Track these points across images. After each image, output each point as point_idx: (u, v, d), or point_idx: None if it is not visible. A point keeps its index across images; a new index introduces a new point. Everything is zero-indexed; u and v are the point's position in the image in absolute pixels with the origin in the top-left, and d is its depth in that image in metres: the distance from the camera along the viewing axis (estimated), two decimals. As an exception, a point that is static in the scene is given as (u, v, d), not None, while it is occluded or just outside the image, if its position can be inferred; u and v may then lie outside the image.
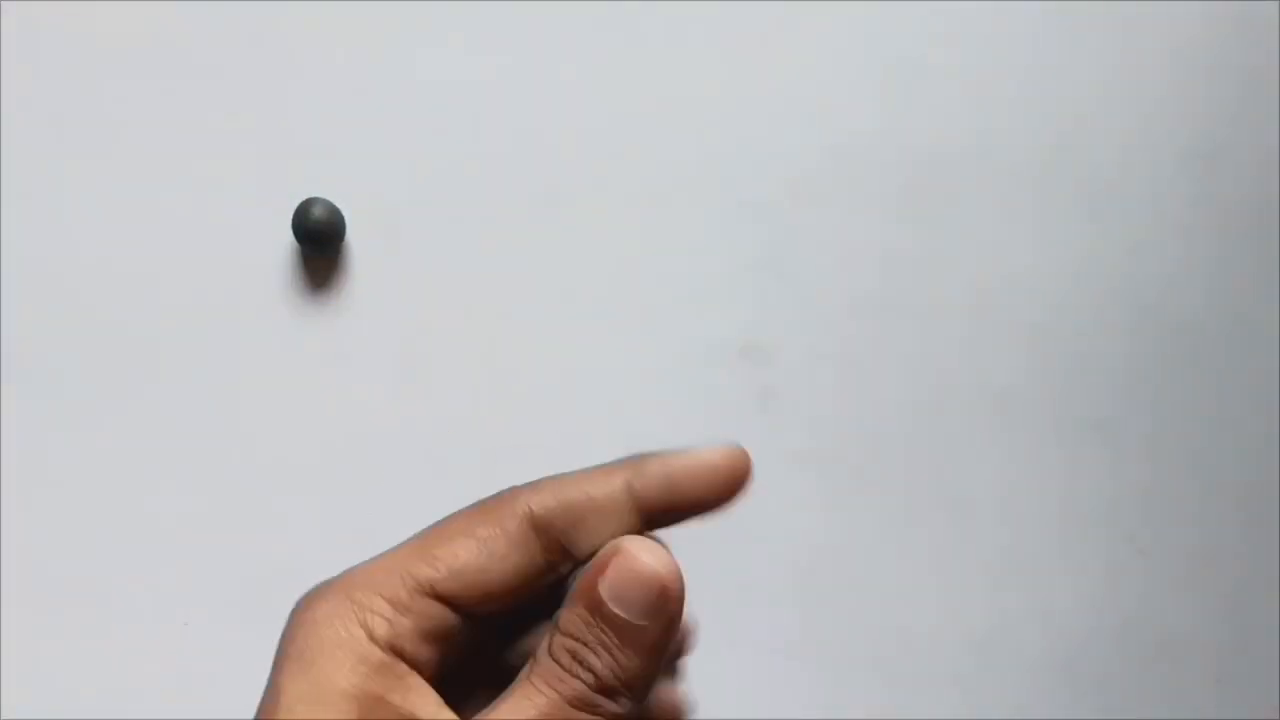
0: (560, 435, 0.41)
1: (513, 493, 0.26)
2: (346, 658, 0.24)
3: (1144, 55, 0.43)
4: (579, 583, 0.24)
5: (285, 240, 0.41)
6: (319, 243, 0.40)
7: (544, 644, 0.24)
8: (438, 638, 0.25)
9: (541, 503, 0.25)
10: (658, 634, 0.23)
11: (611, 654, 0.23)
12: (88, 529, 0.40)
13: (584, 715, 0.23)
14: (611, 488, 0.25)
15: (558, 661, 0.23)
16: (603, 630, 0.23)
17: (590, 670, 0.23)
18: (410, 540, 0.26)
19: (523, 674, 0.24)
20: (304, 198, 0.40)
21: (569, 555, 0.25)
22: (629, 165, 0.42)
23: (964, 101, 0.43)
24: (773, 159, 0.42)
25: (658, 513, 0.25)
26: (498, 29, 0.42)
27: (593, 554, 0.25)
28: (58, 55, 0.41)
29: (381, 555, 0.26)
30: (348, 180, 0.41)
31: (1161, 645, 0.43)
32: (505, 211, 0.42)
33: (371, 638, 0.24)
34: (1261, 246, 0.43)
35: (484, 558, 0.25)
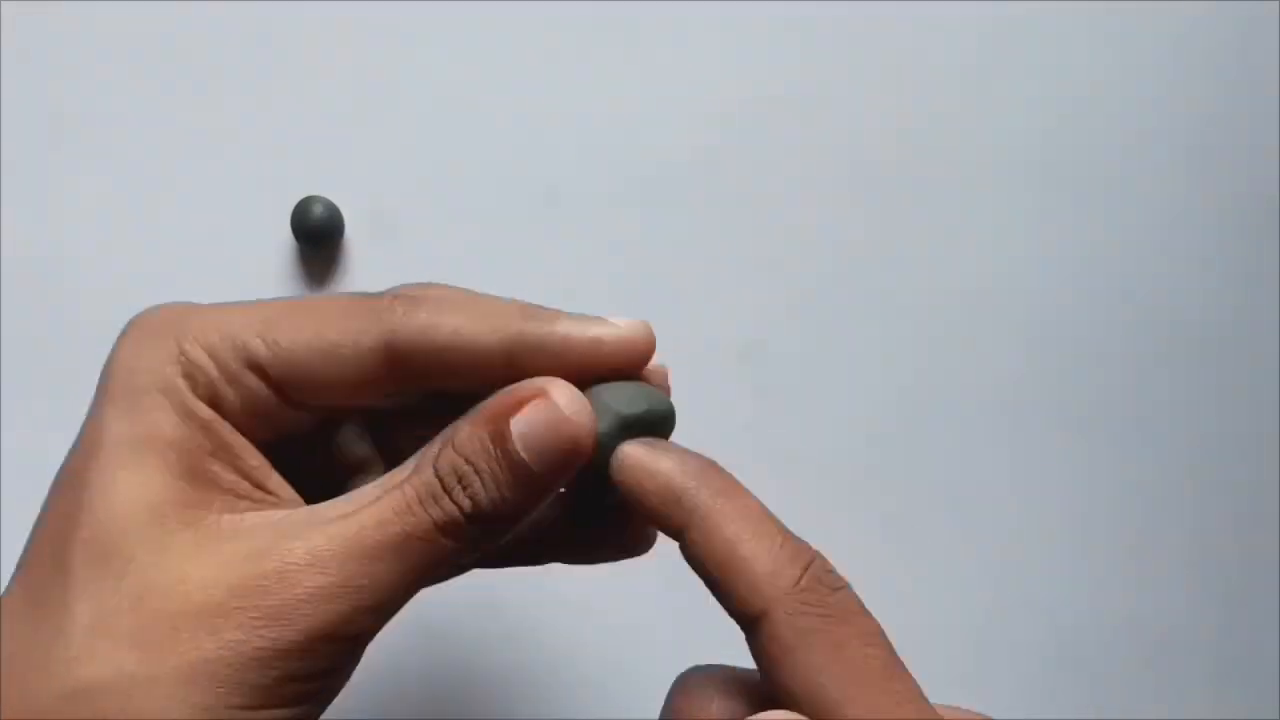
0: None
1: (387, 305, 0.24)
2: (171, 405, 0.23)
3: (1144, 53, 0.43)
4: (488, 406, 0.23)
5: (284, 238, 0.41)
6: (318, 241, 0.40)
7: (427, 452, 0.23)
8: (260, 414, 0.24)
9: (410, 338, 0.24)
10: (549, 483, 0.23)
11: (498, 488, 0.22)
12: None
13: (444, 539, 0.22)
14: (490, 343, 0.24)
15: (440, 476, 0.22)
16: (498, 462, 0.22)
17: (471, 496, 0.22)
18: (260, 306, 0.24)
19: (393, 475, 0.23)
20: (303, 196, 0.40)
21: (420, 384, 0.24)
22: (629, 165, 0.42)
23: (964, 100, 0.43)
24: (773, 158, 0.42)
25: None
26: (498, 29, 0.42)
27: (456, 392, 0.24)
28: (57, 55, 0.41)
29: (223, 306, 0.24)
30: (346, 179, 0.41)
31: (1160, 645, 0.43)
32: (504, 210, 0.42)
33: (195, 391, 0.23)
34: (1261, 246, 0.43)
35: (324, 360, 0.24)
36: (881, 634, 0.23)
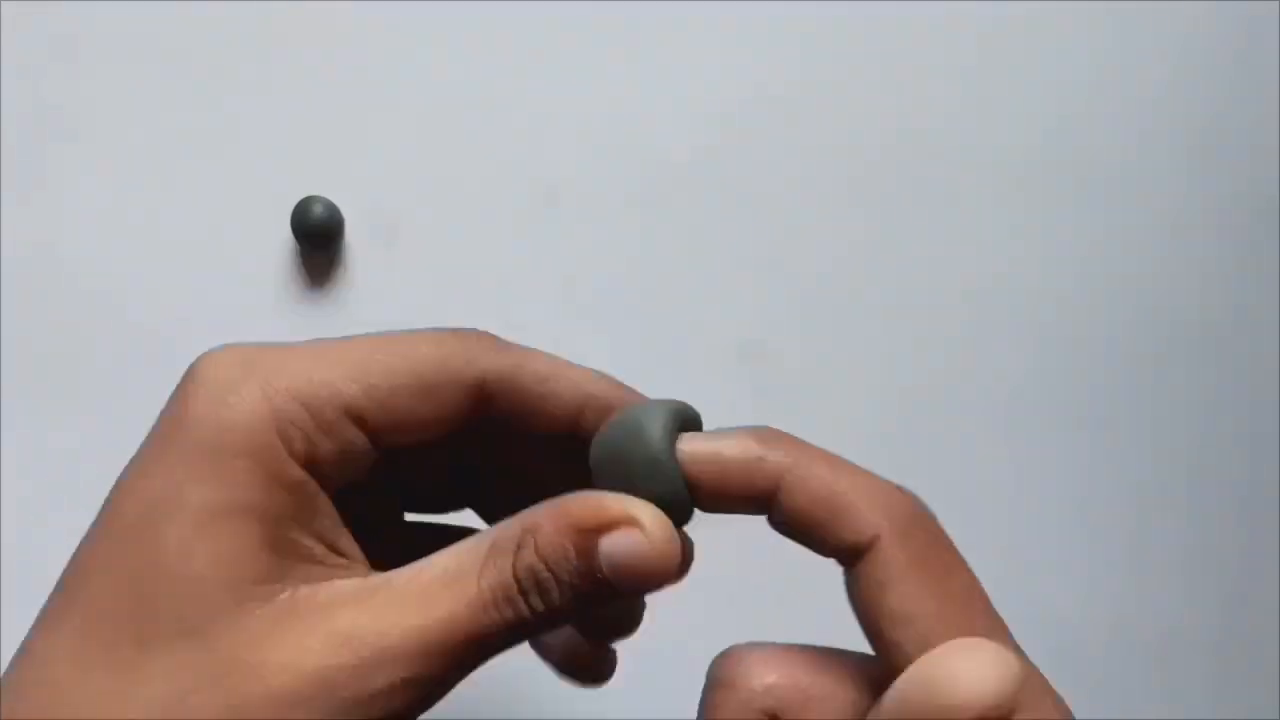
0: (560, 434, 0.41)
1: (476, 345, 0.24)
2: (261, 469, 0.22)
3: (1144, 53, 0.43)
4: (574, 513, 0.22)
5: (284, 238, 0.41)
6: (318, 241, 0.40)
7: (502, 541, 0.22)
8: (351, 465, 0.23)
9: (500, 376, 0.24)
10: (619, 599, 0.23)
11: (575, 598, 0.22)
12: (87, 529, 0.40)
13: (509, 635, 0.22)
14: (566, 393, 0.24)
15: (519, 579, 0.22)
16: (580, 577, 0.22)
17: (545, 602, 0.22)
18: (348, 347, 0.24)
19: (465, 557, 0.23)
20: (303, 196, 0.40)
21: (495, 425, 0.24)
22: (629, 165, 0.42)
23: (964, 100, 0.43)
24: (773, 158, 0.42)
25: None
26: (498, 29, 0.42)
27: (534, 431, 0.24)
28: (58, 55, 0.41)
29: (307, 348, 0.24)
30: (347, 179, 0.41)
31: (1160, 645, 0.43)
32: (504, 210, 0.42)
33: (291, 451, 0.23)
34: (1262, 245, 0.43)
35: (422, 401, 0.24)
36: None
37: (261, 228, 0.41)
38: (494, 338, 0.25)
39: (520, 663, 0.40)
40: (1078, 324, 0.43)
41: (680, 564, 0.23)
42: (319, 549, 0.23)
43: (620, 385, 0.26)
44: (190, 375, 0.24)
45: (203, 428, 0.22)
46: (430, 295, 0.41)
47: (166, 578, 0.22)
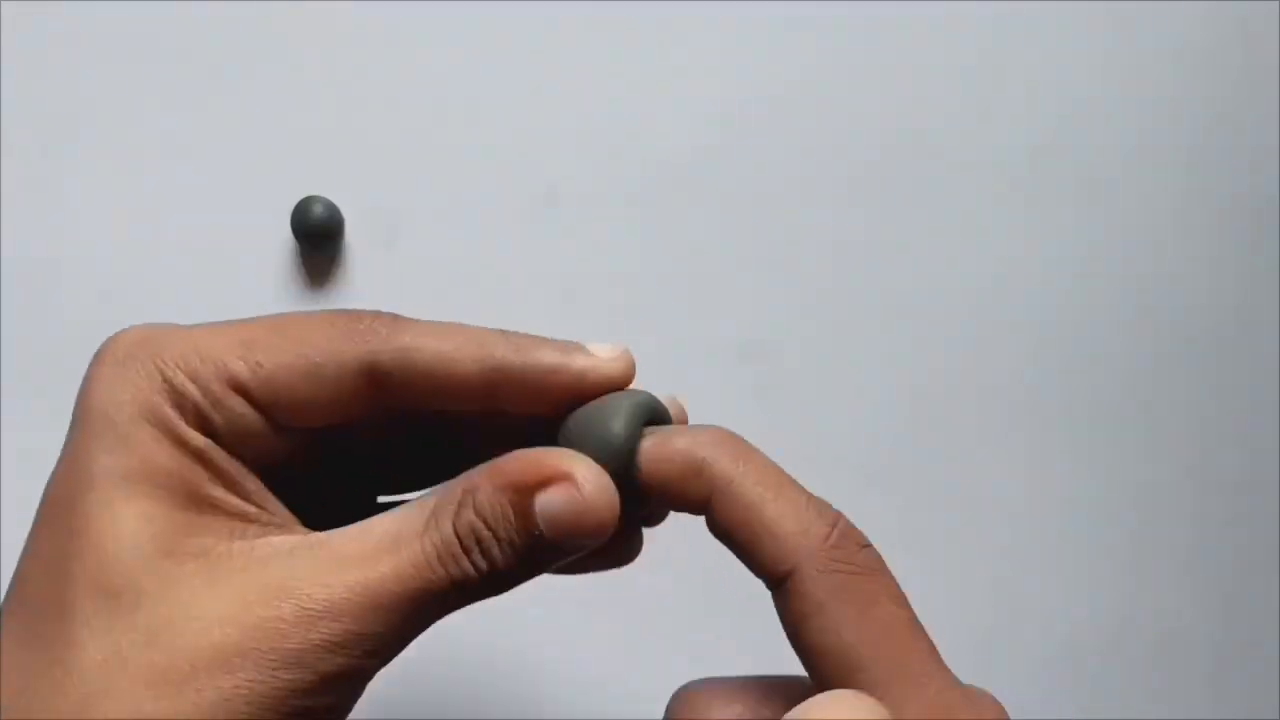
0: (560, 434, 0.41)
1: (369, 324, 0.24)
2: (165, 437, 0.23)
3: (1143, 53, 0.43)
4: (511, 470, 0.22)
5: (284, 238, 0.41)
6: (318, 241, 0.40)
7: (444, 502, 0.23)
8: (248, 438, 0.24)
9: (392, 359, 0.24)
10: (563, 555, 0.23)
11: (515, 555, 0.22)
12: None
13: (455, 593, 0.22)
14: (471, 370, 0.24)
15: (459, 536, 0.22)
16: (519, 534, 0.22)
17: (488, 560, 0.22)
18: (237, 326, 0.24)
19: (409, 518, 0.23)
20: (303, 196, 0.40)
21: (401, 406, 0.24)
22: (629, 165, 0.42)
23: (964, 100, 0.43)
24: (773, 157, 0.42)
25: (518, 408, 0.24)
26: (497, 29, 0.42)
27: (437, 414, 0.24)
28: (58, 55, 0.41)
29: (198, 328, 0.24)
30: (347, 179, 0.41)
31: (1160, 645, 0.43)
32: (504, 210, 0.42)
33: (185, 419, 0.23)
34: (1261, 246, 0.43)
35: (306, 381, 0.23)
36: (901, 593, 0.23)
37: (261, 228, 0.41)
38: (392, 318, 0.24)
39: (521, 663, 0.40)
40: (1077, 324, 0.43)
41: (613, 519, 0.23)
42: (249, 509, 0.23)
43: (521, 342, 0.25)
44: (95, 356, 0.24)
45: (101, 402, 0.23)
46: (430, 295, 0.41)
47: (90, 547, 0.22)
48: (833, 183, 0.42)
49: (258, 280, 0.41)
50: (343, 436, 0.26)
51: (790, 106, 0.42)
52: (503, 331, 0.25)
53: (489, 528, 0.22)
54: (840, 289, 0.42)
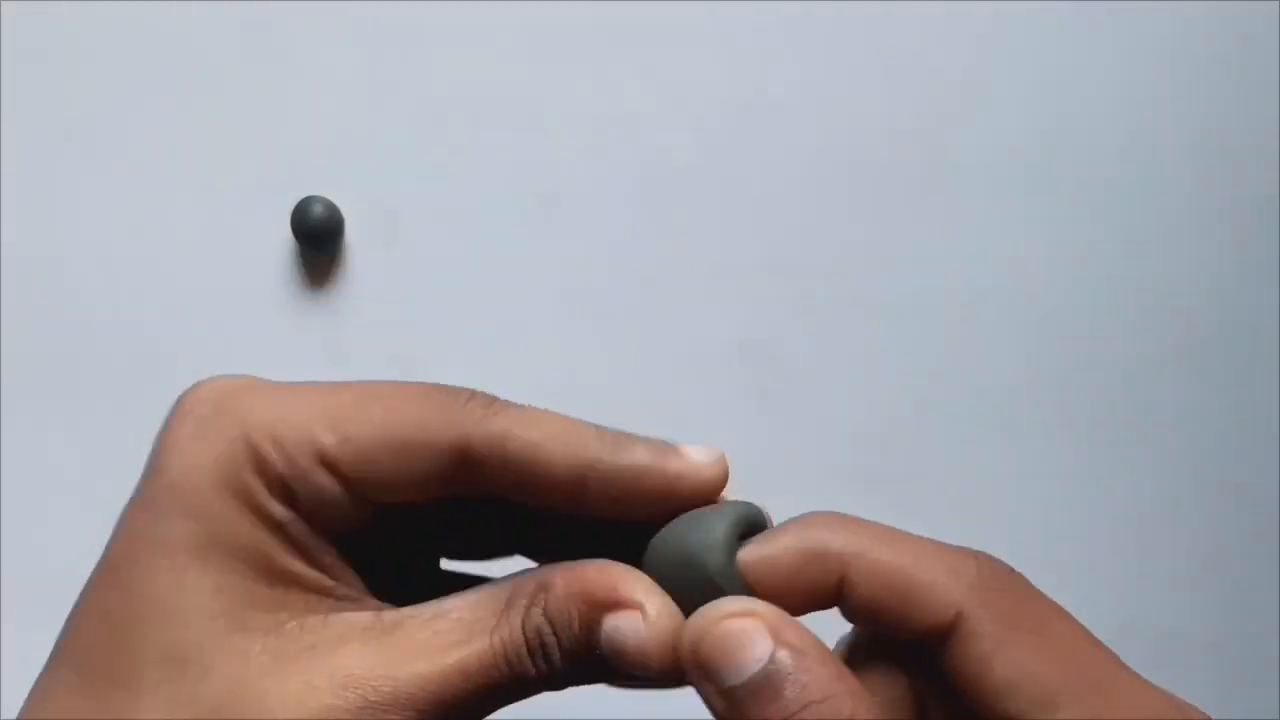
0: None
1: (465, 405, 0.23)
2: (246, 508, 0.22)
3: (1144, 53, 0.43)
4: (589, 581, 0.22)
5: (284, 238, 0.41)
6: (318, 241, 0.40)
7: (517, 597, 0.22)
8: (331, 510, 0.23)
9: (485, 444, 0.23)
10: (618, 679, 0.23)
11: (572, 664, 0.22)
12: (88, 529, 0.40)
13: (513, 689, 0.22)
14: (562, 465, 0.23)
15: (525, 635, 0.22)
16: (579, 645, 0.22)
17: (549, 664, 0.22)
18: (326, 393, 0.23)
19: (479, 606, 0.22)
20: (303, 196, 0.40)
21: (485, 490, 0.23)
22: (628, 165, 0.42)
23: (965, 100, 0.43)
24: (773, 157, 0.42)
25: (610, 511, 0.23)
26: (498, 30, 0.42)
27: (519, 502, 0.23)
28: (58, 55, 0.41)
29: (290, 389, 0.23)
30: (347, 179, 0.41)
31: (1160, 645, 0.43)
32: (504, 210, 0.42)
33: (268, 488, 0.22)
34: (1262, 246, 0.43)
35: (396, 459, 0.23)
36: (1066, 610, 0.22)
37: (261, 228, 0.41)
38: (488, 399, 0.24)
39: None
40: (1077, 324, 0.43)
41: (671, 663, 0.22)
42: (326, 581, 0.23)
43: (616, 440, 0.24)
44: (173, 411, 0.23)
45: (180, 464, 0.22)
46: (430, 295, 0.41)
47: (157, 612, 0.21)
48: (832, 183, 0.42)
49: (258, 280, 0.41)
50: (418, 506, 0.25)
51: (790, 107, 0.42)
52: (597, 427, 0.24)
53: (555, 633, 0.22)
54: (840, 289, 0.42)
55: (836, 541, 0.22)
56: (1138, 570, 0.43)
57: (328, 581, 0.23)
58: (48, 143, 0.41)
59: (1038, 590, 0.22)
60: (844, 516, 0.23)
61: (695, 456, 0.24)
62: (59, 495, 0.40)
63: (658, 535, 0.23)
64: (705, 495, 0.24)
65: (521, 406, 0.24)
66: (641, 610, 0.22)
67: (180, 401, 0.23)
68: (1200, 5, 0.43)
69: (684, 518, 0.23)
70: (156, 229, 0.41)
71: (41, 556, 0.40)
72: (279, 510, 0.22)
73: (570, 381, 0.42)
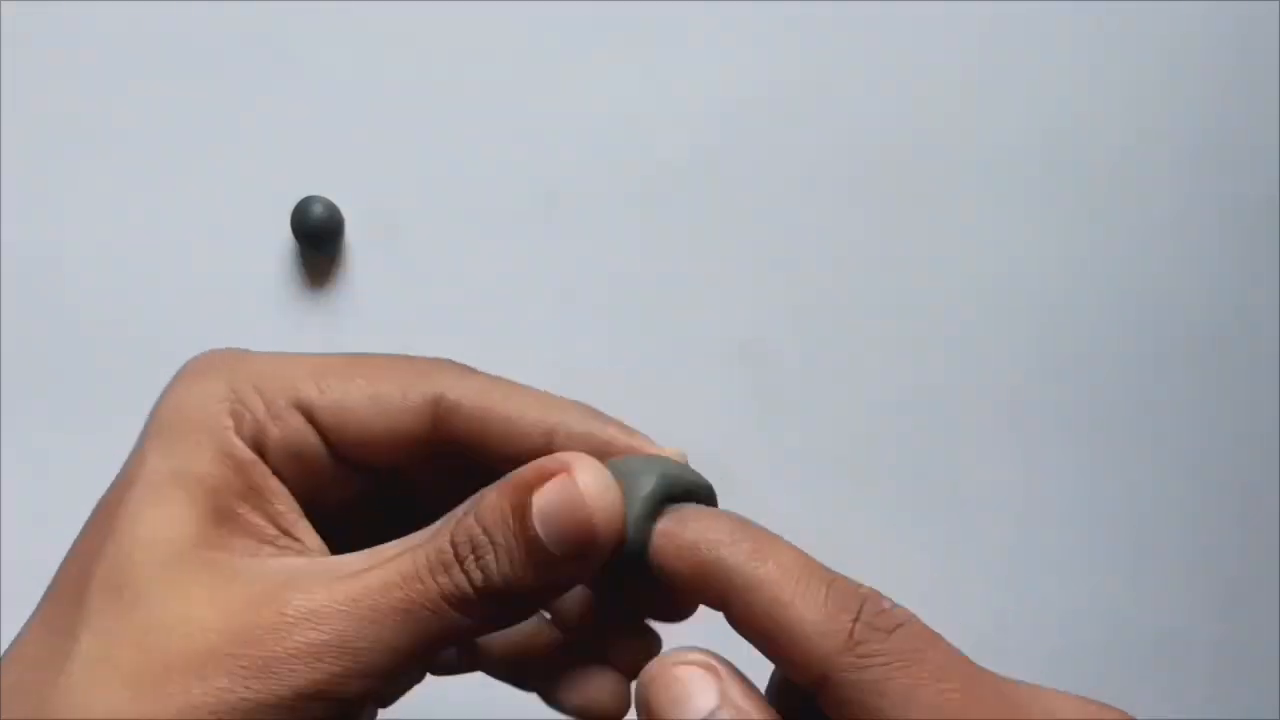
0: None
1: (438, 368, 0.24)
2: (210, 443, 0.23)
3: (1144, 53, 0.43)
4: (514, 477, 0.21)
5: (284, 238, 0.41)
6: (318, 241, 0.40)
7: (449, 520, 0.22)
8: (301, 460, 0.24)
9: (458, 400, 0.24)
10: (566, 569, 0.21)
11: (513, 565, 0.21)
12: (87, 528, 0.40)
13: (452, 611, 0.21)
14: (533, 421, 0.24)
15: (454, 544, 0.21)
16: (516, 537, 0.21)
17: (484, 570, 0.21)
18: (314, 357, 0.25)
19: (416, 535, 0.22)
20: (303, 196, 0.40)
21: (461, 450, 0.24)
22: (628, 165, 0.42)
23: (964, 100, 0.43)
24: (773, 157, 0.42)
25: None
26: (498, 29, 0.42)
27: (492, 460, 0.24)
28: (58, 55, 0.41)
29: (282, 355, 0.25)
30: (347, 179, 0.41)
31: (1160, 645, 0.43)
32: (504, 210, 0.42)
33: (238, 430, 0.23)
34: (1262, 246, 0.43)
35: (372, 409, 0.24)
36: (953, 659, 0.21)
37: (261, 228, 0.41)
38: (459, 365, 0.25)
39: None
40: (1077, 324, 0.43)
41: (612, 522, 0.21)
42: (269, 530, 0.23)
43: (590, 412, 0.25)
44: (177, 373, 0.25)
45: (167, 408, 0.24)
46: (430, 295, 0.41)
47: (113, 544, 0.22)
48: (832, 183, 0.42)
49: (258, 280, 0.41)
50: (400, 485, 0.25)
51: (790, 107, 0.42)
52: (572, 400, 0.25)
53: (485, 533, 0.21)
54: (840, 289, 0.42)
55: (726, 563, 0.21)
56: (1137, 570, 0.43)
57: (273, 531, 0.23)
58: (47, 142, 0.41)
59: (923, 646, 0.21)
60: (750, 531, 0.22)
61: (667, 452, 0.25)
62: (59, 495, 0.40)
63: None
64: None
65: (489, 374, 0.25)
66: (570, 471, 0.21)
67: (184, 365, 0.25)
68: (1200, 5, 0.43)
69: (620, 461, 0.23)
70: (156, 228, 0.41)
71: (41, 556, 0.41)
72: (242, 452, 0.23)
73: (570, 381, 0.41)
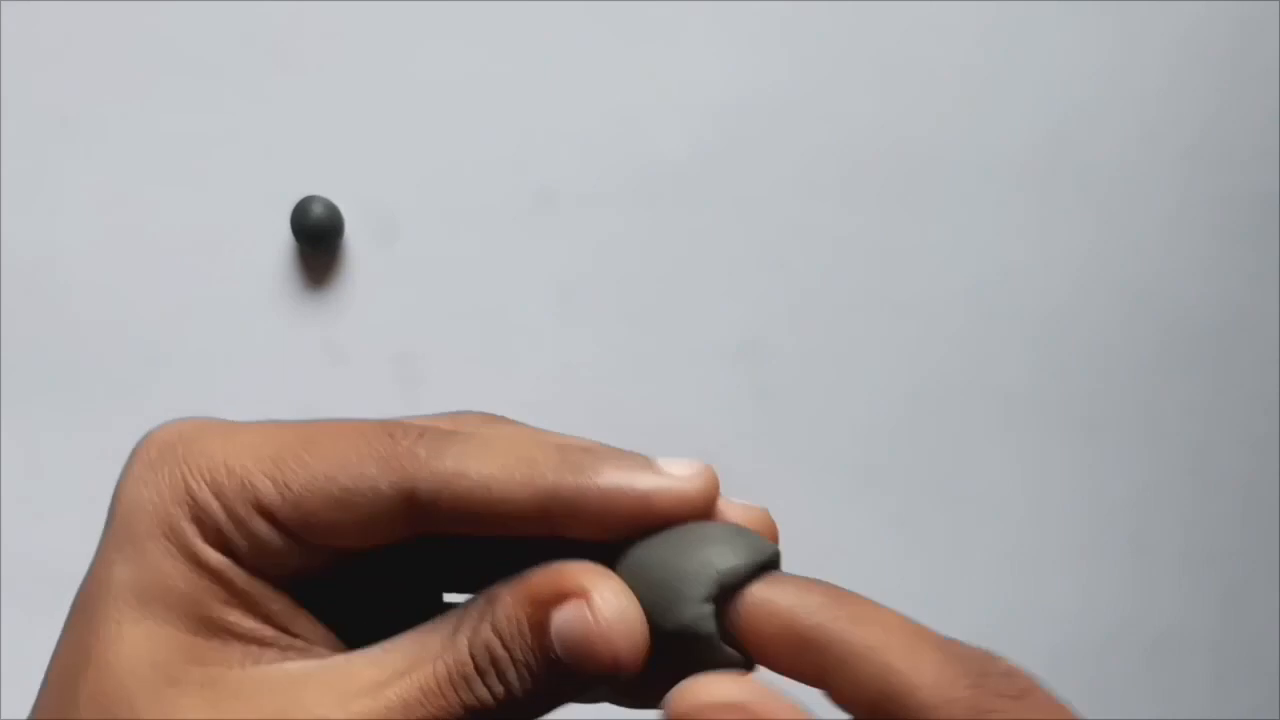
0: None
1: (409, 448, 0.22)
2: (180, 552, 0.21)
3: (1144, 52, 0.43)
4: (532, 583, 0.20)
5: (284, 237, 0.41)
6: (318, 241, 0.40)
7: (464, 621, 0.21)
8: (273, 557, 0.22)
9: (433, 488, 0.21)
10: (584, 683, 0.21)
11: (534, 681, 0.20)
12: (88, 528, 0.40)
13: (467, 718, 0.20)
14: (522, 497, 0.21)
15: (473, 655, 0.20)
16: (534, 655, 0.20)
17: (504, 684, 0.20)
18: (268, 437, 0.22)
19: (427, 638, 0.21)
20: (303, 196, 0.40)
21: (443, 530, 0.22)
22: (628, 165, 0.42)
23: (965, 99, 0.43)
24: (771, 157, 0.42)
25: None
26: (497, 29, 0.42)
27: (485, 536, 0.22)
28: (58, 55, 0.41)
29: (229, 429, 0.23)
30: (346, 178, 0.41)
31: (1159, 644, 0.43)
32: (503, 210, 0.42)
33: (204, 536, 0.21)
34: (1261, 244, 0.43)
35: (337, 508, 0.22)
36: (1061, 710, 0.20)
37: (261, 228, 0.41)
38: (435, 435, 0.22)
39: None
40: (1077, 324, 0.43)
41: (632, 651, 0.20)
42: (267, 631, 0.22)
43: (583, 464, 0.22)
44: (132, 452, 0.23)
45: (126, 506, 0.22)
46: (429, 294, 0.41)
47: (95, 665, 0.21)
48: (831, 182, 0.42)
49: (258, 280, 0.41)
50: (385, 548, 0.24)
51: (789, 107, 0.42)
52: (560, 445, 0.22)
53: (505, 646, 0.20)
54: (839, 289, 0.42)
55: (828, 628, 0.20)
56: (1136, 569, 0.43)
57: (270, 632, 0.22)
58: (47, 142, 0.41)
59: (1035, 703, 0.20)
60: (845, 600, 0.21)
61: (673, 470, 0.22)
62: (58, 494, 0.40)
63: (624, 555, 0.21)
64: (688, 512, 0.22)
65: (471, 437, 0.22)
66: (588, 597, 0.20)
67: (138, 443, 0.23)
68: (1200, 5, 0.43)
69: (660, 538, 0.21)
70: (156, 228, 0.41)
71: (40, 556, 0.41)
72: (215, 558, 0.22)
73: (569, 381, 0.42)
